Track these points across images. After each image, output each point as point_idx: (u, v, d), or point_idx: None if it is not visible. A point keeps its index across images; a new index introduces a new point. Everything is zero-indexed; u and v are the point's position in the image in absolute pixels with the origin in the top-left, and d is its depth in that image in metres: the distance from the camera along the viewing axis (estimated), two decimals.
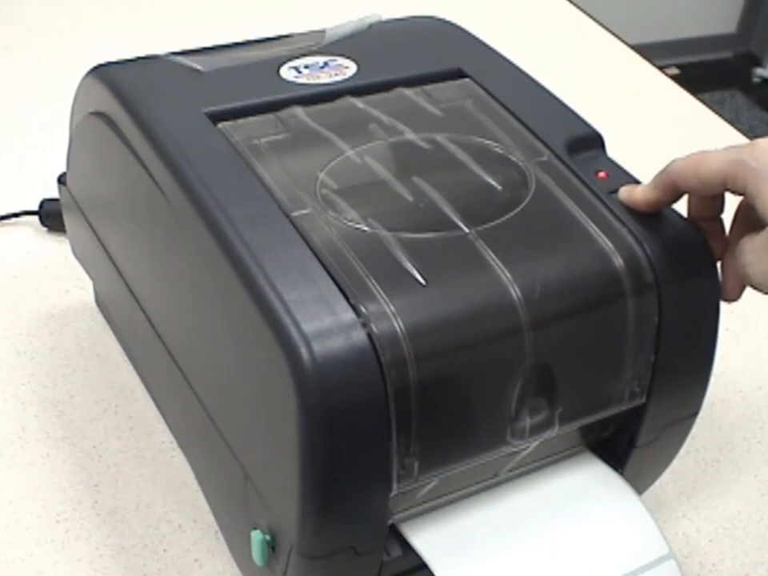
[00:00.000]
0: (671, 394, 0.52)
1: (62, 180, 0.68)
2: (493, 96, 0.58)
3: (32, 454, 0.63)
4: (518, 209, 0.50)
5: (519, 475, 0.52)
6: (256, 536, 0.48)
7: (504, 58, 0.63)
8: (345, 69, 0.59)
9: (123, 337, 0.68)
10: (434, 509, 0.50)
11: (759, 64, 2.74)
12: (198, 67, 0.58)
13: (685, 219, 0.51)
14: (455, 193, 0.51)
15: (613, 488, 0.52)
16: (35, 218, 0.80)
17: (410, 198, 0.50)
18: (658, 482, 0.59)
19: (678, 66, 2.45)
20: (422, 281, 0.45)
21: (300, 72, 0.58)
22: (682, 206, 0.52)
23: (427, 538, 0.48)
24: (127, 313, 0.61)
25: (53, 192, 0.71)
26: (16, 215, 0.81)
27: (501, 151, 0.54)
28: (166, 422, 0.63)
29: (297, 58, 0.60)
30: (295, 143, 0.53)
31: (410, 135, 0.54)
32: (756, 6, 2.73)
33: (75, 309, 0.73)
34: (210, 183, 0.49)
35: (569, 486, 0.52)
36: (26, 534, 0.58)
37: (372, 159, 0.53)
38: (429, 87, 0.58)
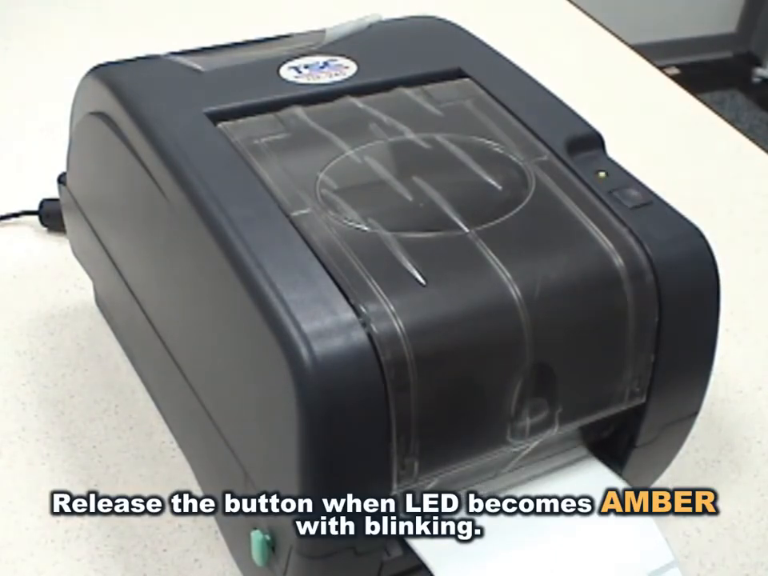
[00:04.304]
0: (671, 394, 0.52)
1: (62, 180, 0.68)
2: (493, 96, 0.58)
3: (32, 454, 0.62)
4: (518, 209, 0.50)
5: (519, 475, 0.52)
6: (256, 536, 0.48)
7: (504, 58, 0.63)
8: (345, 69, 0.59)
9: (123, 337, 0.68)
10: None
11: (759, 64, 2.74)
12: (198, 67, 0.58)
13: (685, 219, 0.51)
14: (455, 192, 0.51)
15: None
16: (35, 218, 0.80)
17: (410, 198, 0.50)
18: (657, 482, 0.59)
19: (678, 66, 2.44)
20: (422, 281, 0.45)
21: (300, 72, 0.58)
22: (682, 207, 0.52)
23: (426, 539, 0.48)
24: (127, 313, 0.61)
25: (53, 192, 0.71)
26: (16, 215, 0.80)
27: (501, 151, 0.54)
28: (166, 422, 0.63)
29: (297, 57, 0.60)
30: (295, 143, 0.53)
31: (410, 135, 0.54)
32: (756, 6, 2.73)
33: (75, 309, 0.73)
34: (210, 183, 0.49)
35: (570, 490, 0.51)
36: (26, 534, 0.58)
37: (372, 159, 0.53)
38: (429, 87, 0.58)
